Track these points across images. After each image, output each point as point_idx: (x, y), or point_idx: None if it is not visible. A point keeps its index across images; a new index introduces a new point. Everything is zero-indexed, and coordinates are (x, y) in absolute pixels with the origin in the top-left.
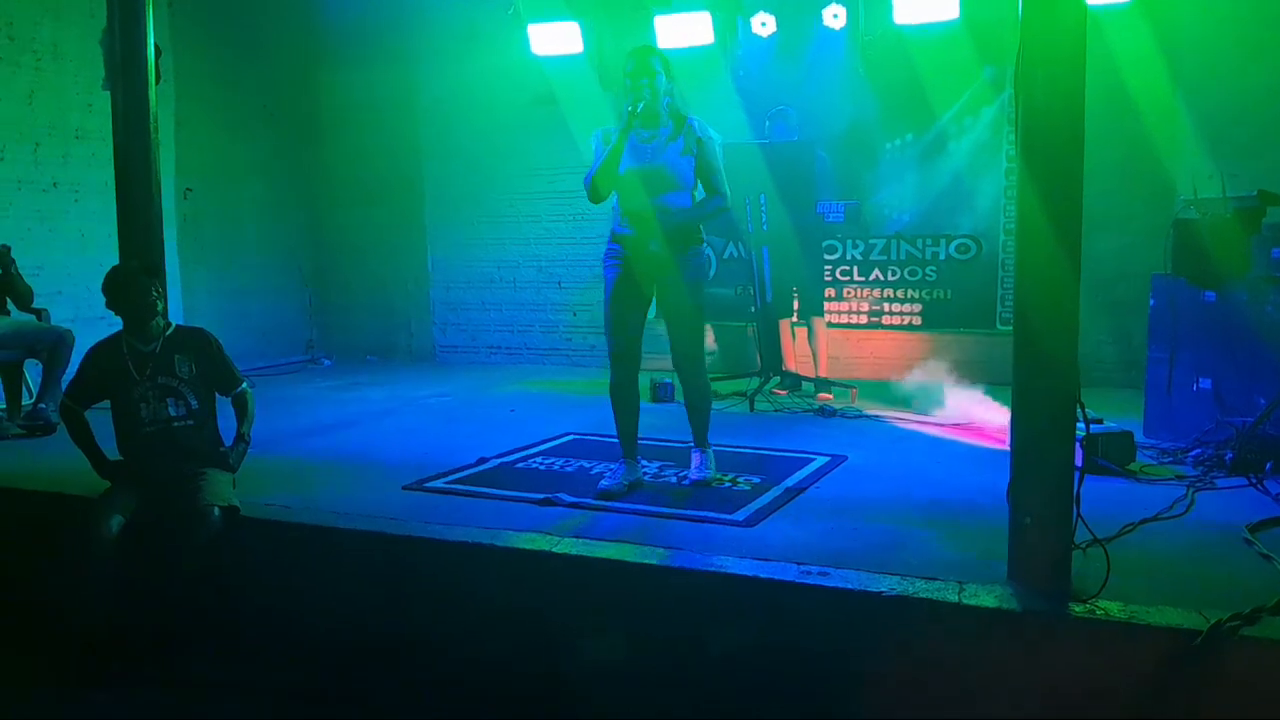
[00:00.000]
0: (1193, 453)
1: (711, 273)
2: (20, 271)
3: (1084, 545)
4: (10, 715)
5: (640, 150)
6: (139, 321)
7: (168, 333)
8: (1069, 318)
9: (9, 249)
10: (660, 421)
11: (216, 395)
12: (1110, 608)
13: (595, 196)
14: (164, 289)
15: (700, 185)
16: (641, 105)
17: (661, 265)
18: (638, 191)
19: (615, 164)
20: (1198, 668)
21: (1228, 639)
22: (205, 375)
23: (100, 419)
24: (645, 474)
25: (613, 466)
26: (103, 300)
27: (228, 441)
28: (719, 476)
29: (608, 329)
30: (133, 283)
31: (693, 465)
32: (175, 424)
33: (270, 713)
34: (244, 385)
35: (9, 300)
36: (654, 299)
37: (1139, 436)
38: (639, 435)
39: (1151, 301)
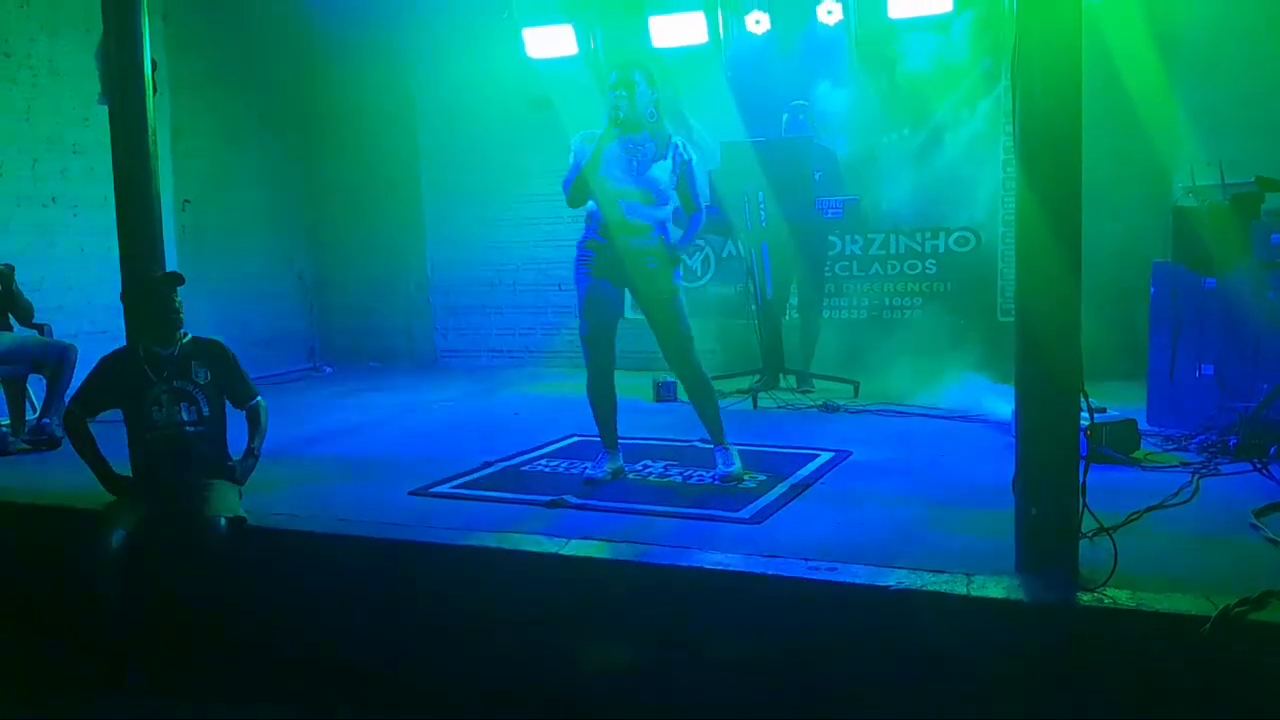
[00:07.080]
0: (1196, 439)
1: (709, 273)
2: (20, 288)
3: (1090, 534)
4: None
5: (627, 165)
6: (163, 329)
7: (184, 340)
8: (1070, 308)
9: (12, 268)
10: (664, 421)
11: (228, 408)
12: (1118, 596)
13: (575, 200)
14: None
15: (680, 199)
16: (622, 114)
17: (635, 269)
18: (621, 205)
19: (595, 168)
20: (1207, 654)
21: (1236, 624)
22: (221, 385)
23: (105, 432)
24: (650, 473)
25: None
26: (105, 314)
27: (234, 456)
28: (747, 472)
29: (584, 332)
30: (161, 291)
31: (717, 463)
32: (188, 428)
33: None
34: (258, 399)
35: (10, 316)
36: (629, 299)
37: (1143, 424)
38: (650, 434)
39: (1152, 289)
